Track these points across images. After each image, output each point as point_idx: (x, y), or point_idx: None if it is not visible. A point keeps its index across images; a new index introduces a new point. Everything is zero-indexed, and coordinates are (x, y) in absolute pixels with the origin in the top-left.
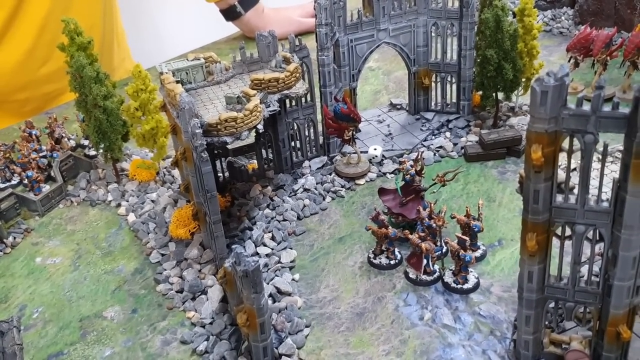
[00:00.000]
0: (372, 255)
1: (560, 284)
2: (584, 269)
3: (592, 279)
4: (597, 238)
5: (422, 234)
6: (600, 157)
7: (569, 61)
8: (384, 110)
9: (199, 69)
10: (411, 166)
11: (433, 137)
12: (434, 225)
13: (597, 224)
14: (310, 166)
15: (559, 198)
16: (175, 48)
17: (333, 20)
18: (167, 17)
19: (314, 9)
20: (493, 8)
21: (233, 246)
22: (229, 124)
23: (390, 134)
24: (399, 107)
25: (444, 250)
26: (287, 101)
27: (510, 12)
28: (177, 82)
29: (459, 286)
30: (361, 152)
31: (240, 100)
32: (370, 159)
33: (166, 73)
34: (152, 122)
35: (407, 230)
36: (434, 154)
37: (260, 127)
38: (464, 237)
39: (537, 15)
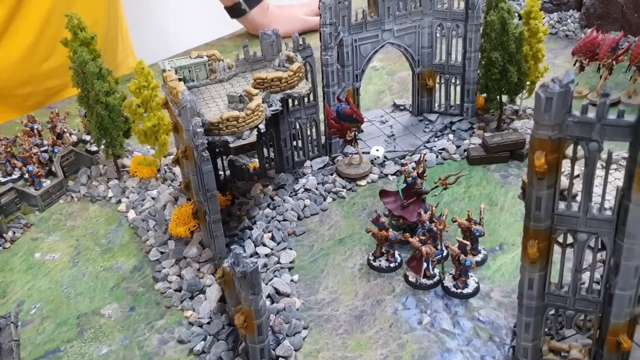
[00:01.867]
0: (372, 258)
1: (560, 291)
2: (585, 277)
3: (593, 287)
4: (599, 246)
5: (423, 237)
6: (603, 164)
7: (574, 65)
8: (387, 111)
9: (202, 66)
10: (413, 169)
11: (436, 139)
12: (435, 228)
13: (599, 232)
14: (311, 166)
15: (562, 205)
16: (179, 45)
17: (337, 20)
18: (171, 13)
19: (319, 7)
20: (499, 10)
21: (232, 246)
22: (230, 123)
23: (392, 135)
24: (402, 108)
25: (444, 254)
26: (290, 100)
27: (516, 15)
28: (180, 79)
29: (459, 291)
30: (363, 152)
31: (243, 99)
32: (372, 160)
33: (169, 70)
34: (154, 119)
35: (407, 233)
36: (437, 156)
37: (262, 126)
38: (465, 241)
39: (543, 18)
